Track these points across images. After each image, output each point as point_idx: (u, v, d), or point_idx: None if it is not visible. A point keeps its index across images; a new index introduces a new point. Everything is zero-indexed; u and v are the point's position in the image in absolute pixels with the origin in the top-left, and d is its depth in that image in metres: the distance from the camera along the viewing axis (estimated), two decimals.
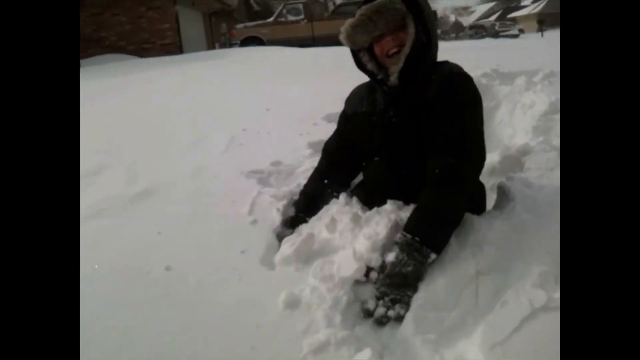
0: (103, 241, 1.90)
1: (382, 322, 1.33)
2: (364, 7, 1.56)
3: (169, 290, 1.54)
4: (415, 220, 1.48)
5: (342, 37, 1.63)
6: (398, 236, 1.46)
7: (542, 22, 29.61)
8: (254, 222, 1.91)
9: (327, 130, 2.26)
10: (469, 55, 4.97)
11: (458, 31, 36.64)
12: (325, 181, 1.88)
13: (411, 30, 1.54)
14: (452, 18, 44.93)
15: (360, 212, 1.64)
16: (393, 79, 1.59)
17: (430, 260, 1.41)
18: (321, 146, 2.02)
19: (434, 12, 1.51)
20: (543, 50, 6.77)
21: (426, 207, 1.49)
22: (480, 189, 1.75)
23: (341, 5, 14.90)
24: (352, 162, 1.85)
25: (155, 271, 1.64)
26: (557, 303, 1.19)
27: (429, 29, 1.57)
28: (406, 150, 1.62)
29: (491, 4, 60.03)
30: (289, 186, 2.20)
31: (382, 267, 1.43)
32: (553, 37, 13.71)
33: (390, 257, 1.42)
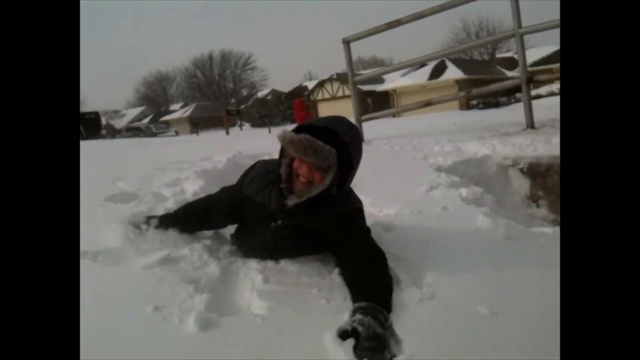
0: None
1: None
2: (308, 137, 1.62)
3: None
4: (363, 289, 1.61)
5: (280, 139, 1.70)
6: (355, 305, 1.54)
7: (197, 124, 33.13)
8: None
9: None
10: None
11: (114, 133, 37.41)
12: (205, 224, 2.20)
13: (326, 181, 1.69)
14: (104, 121, 44.71)
15: None
16: (289, 203, 1.75)
17: (389, 323, 1.50)
18: None
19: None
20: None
21: (367, 278, 1.65)
22: None
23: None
24: (228, 221, 2.16)
25: None
26: None
27: (343, 183, 1.73)
28: (283, 250, 1.92)
29: (141, 108, 62.60)
30: None
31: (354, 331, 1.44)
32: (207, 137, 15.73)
33: (358, 321, 1.45)
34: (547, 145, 3.40)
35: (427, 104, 4.70)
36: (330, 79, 39.09)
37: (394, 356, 1.38)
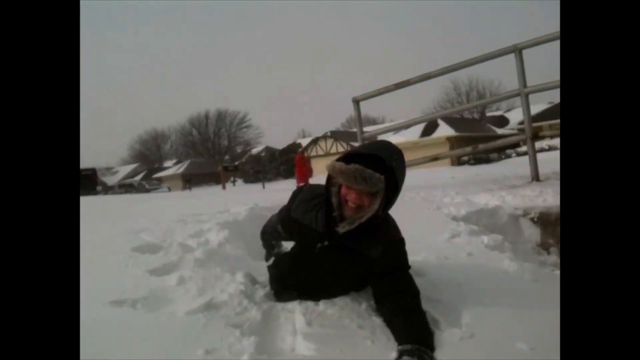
0: None
1: None
2: (358, 167, 1.69)
3: None
4: (406, 330, 1.68)
5: (330, 169, 1.79)
6: (400, 348, 1.61)
7: (190, 180, 33.34)
8: None
9: None
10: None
11: (107, 189, 37.79)
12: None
13: (375, 206, 1.75)
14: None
15: None
16: (340, 230, 1.82)
17: None
18: None
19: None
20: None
21: (409, 317, 1.72)
22: None
23: None
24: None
25: None
26: None
27: (388, 204, 1.80)
28: (326, 270, 1.95)
29: (134, 165, 63.01)
30: None
31: None
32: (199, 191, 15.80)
33: None
34: (555, 196, 3.53)
35: (435, 158, 4.88)
36: (324, 137, 39.86)
37: None
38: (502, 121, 35.71)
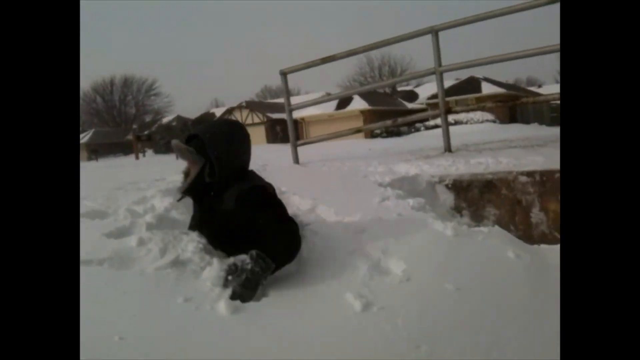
0: None
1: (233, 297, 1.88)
2: (176, 142, 2.30)
3: None
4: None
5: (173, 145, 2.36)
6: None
7: (96, 150, 31.47)
8: None
9: None
10: None
11: None
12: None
13: (195, 171, 2.28)
14: None
15: None
16: (180, 192, 2.42)
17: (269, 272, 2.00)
18: None
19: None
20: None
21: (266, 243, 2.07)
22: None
23: None
24: None
25: None
26: None
27: (213, 160, 2.20)
28: (211, 234, 2.33)
29: None
30: None
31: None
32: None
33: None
34: (467, 165, 4.04)
35: (358, 130, 5.28)
36: (239, 107, 39.29)
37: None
38: (412, 96, 37.47)
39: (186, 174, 2.40)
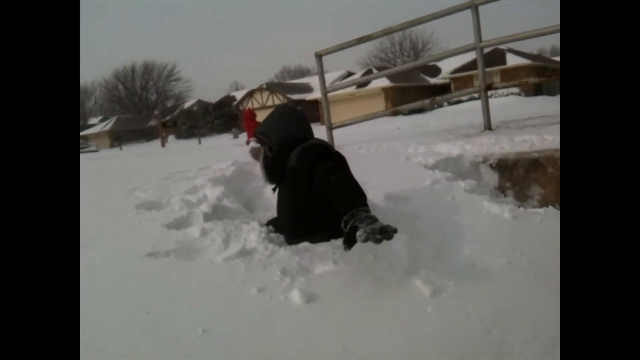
0: None
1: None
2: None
3: None
4: (345, 201, 1.97)
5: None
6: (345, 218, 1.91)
7: (120, 138, 31.84)
8: None
9: None
10: None
11: None
12: None
13: (263, 153, 2.69)
14: None
15: None
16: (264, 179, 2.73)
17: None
18: None
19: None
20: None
21: (341, 191, 2.05)
22: None
23: None
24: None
25: None
26: None
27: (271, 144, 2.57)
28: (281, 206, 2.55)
29: None
30: None
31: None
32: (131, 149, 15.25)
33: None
34: (511, 144, 3.98)
35: (395, 112, 5.22)
36: (260, 89, 39.26)
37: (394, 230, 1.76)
38: (435, 70, 36.79)
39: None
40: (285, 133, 2.54)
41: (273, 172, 2.57)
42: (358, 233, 1.75)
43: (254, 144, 11.03)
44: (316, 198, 2.19)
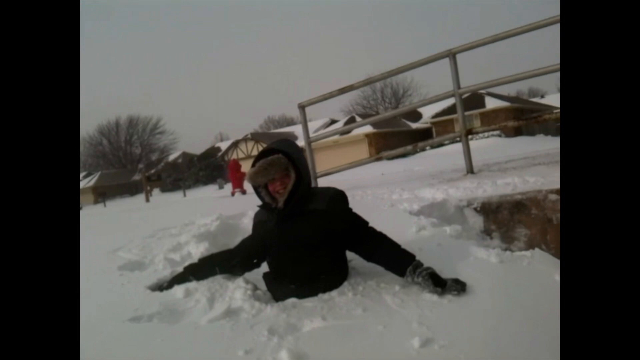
0: None
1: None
2: (262, 160, 2.31)
3: None
4: (398, 259, 2.34)
5: (247, 179, 2.38)
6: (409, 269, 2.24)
7: (104, 194, 31.62)
8: None
9: None
10: None
11: None
12: (235, 262, 2.57)
13: (292, 175, 2.35)
14: None
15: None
16: (280, 204, 2.36)
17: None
18: None
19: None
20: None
21: (391, 251, 2.37)
22: None
23: None
24: (256, 257, 2.57)
25: None
26: None
27: (301, 171, 2.36)
28: (293, 244, 2.34)
29: None
30: None
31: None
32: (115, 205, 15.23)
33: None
34: (494, 187, 4.02)
35: (379, 158, 5.29)
36: (245, 139, 39.63)
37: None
38: (416, 115, 37.58)
39: (263, 196, 2.44)
40: (308, 169, 2.48)
41: (290, 200, 2.35)
42: (448, 284, 2.15)
43: (239, 194, 11.17)
44: (335, 245, 2.39)
